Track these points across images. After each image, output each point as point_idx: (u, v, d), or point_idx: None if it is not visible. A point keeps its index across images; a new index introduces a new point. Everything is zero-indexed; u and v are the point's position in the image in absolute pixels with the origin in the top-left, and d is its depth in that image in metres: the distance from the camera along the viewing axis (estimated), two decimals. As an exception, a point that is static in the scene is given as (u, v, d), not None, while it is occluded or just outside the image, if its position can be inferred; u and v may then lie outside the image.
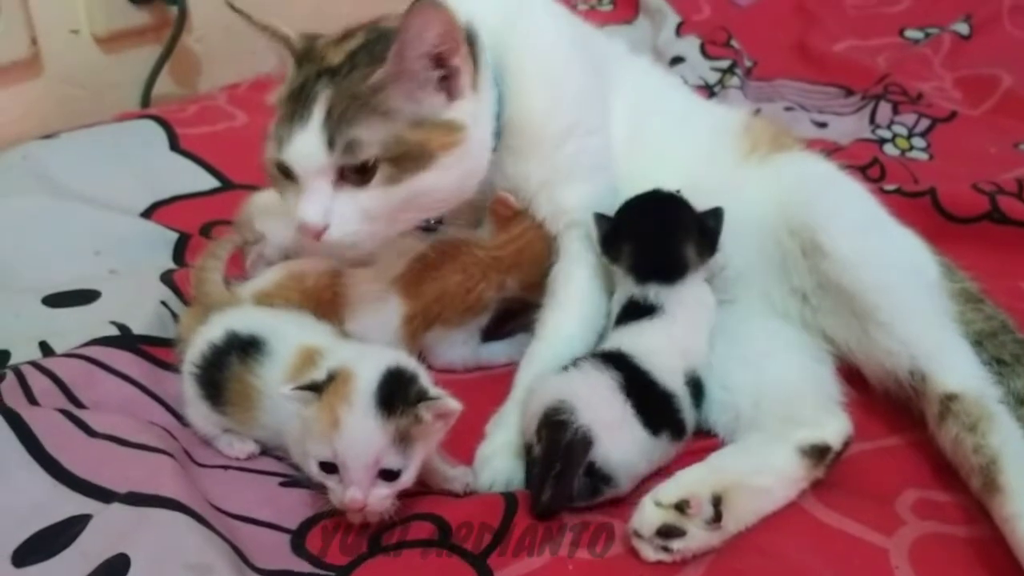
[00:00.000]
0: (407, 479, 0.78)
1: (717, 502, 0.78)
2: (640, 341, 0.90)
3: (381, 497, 0.77)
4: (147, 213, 1.26)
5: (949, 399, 0.85)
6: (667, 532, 0.76)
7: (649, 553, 0.76)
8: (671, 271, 0.93)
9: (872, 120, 1.59)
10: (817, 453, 0.84)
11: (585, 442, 0.81)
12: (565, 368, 0.88)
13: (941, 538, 0.80)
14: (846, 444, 0.86)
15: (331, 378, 0.78)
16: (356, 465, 0.76)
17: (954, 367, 0.87)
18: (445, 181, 0.90)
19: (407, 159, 0.87)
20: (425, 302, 1.01)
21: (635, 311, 0.93)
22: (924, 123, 1.58)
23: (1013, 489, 0.77)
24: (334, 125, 0.85)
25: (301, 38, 0.93)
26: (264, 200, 1.15)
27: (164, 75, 1.62)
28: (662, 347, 0.90)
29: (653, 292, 0.93)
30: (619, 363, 0.87)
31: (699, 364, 0.92)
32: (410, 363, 0.82)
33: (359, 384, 0.77)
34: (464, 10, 0.90)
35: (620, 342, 0.90)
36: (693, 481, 0.80)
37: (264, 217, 1.13)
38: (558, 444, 0.81)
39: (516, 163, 0.98)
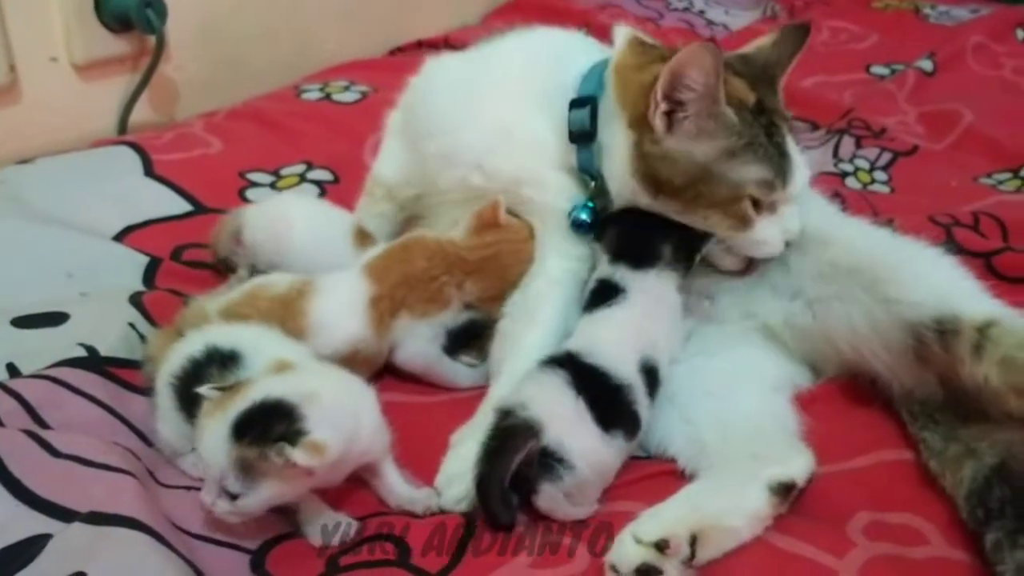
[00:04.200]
0: (243, 505, 0.79)
1: (693, 541, 0.79)
2: (594, 333, 0.95)
3: (222, 511, 0.79)
4: (120, 237, 1.27)
5: (987, 326, 0.86)
6: (646, 571, 0.77)
7: None
8: (640, 257, 0.99)
9: (835, 154, 1.62)
10: (784, 491, 0.85)
11: (527, 427, 0.84)
12: None
13: (891, 559, 0.81)
14: (809, 480, 0.88)
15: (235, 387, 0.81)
16: (207, 472, 0.79)
17: (982, 300, 0.91)
18: None
19: None
20: (391, 284, 1.03)
21: (602, 294, 0.99)
22: (886, 157, 1.61)
23: None
24: (802, 150, 0.99)
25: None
26: (254, 214, 1.18)
27: (142, 103, 1.63)
28: (614, 337, 0.94)
29: (620, 274, 0.99)
30: (567, 363, 0.91)
31: (655, 353, 0.95)
32: (315, 401, 0.80)
33: (234, 403, 0.79)
34: None
35: (571, 342, 0.95)
36: (674, 520, 0.80)
37: (255, 230, 1.15)
38: (500, 429, 0.85)
39: None
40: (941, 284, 0.92)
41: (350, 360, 0.99)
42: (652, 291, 0.98)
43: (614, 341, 0.93)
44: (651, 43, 1.02)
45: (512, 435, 0.84)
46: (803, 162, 0.98)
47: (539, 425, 0.84)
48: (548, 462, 0.84)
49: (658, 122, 0.94)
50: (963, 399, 0.90)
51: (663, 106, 0.93)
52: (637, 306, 0.97)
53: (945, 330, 0.88)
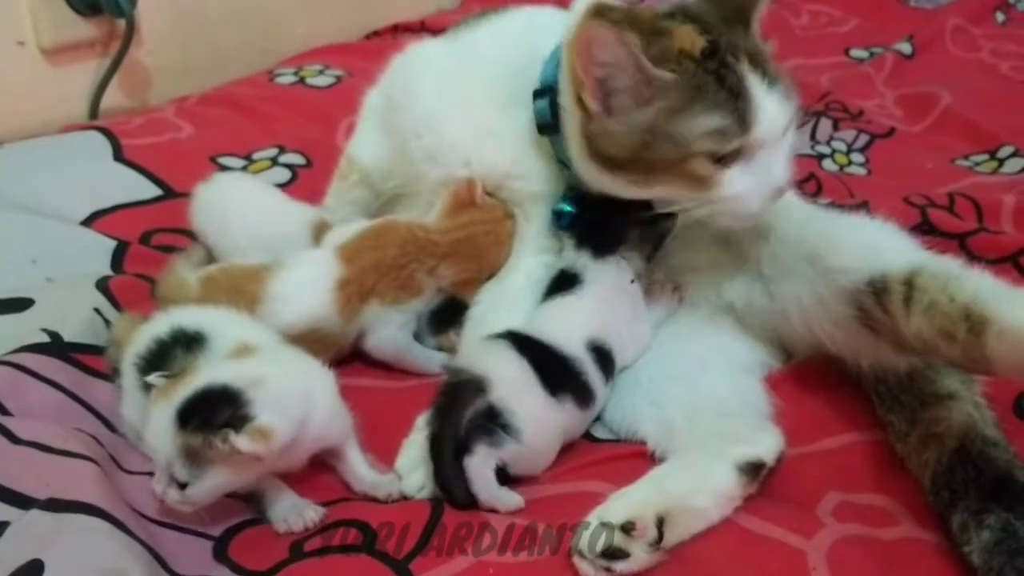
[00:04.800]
0: (192, 494, 0.78)
1: (660, 523, 0.78)
2: (539, 317, 0.96)
3: (173, 500, 0.78)
4: (87, 222, 1.25)
5: (912, 276, 0.83)
6: (612, 554, 0.76)
7: (590, 573, 0.76)
8: (603, 244, 0.98)
9: (813, 136, 1.61)
10: (753, 470, 0.84)
11: (474, 382, 0.85)
12: None
13: (859, 540, 0.81)
14: (778, 459, 0.87)
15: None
16: (155, 459, 0.79)
17: (908, 252, 0.89)
18: None
19: None
20: (361, 268, 1.02)
21: (559, 283, 0.99)
22: (863, 139, 1.61)
23: (1002, 311, 0.76)
24: (775, 86, 0.88)
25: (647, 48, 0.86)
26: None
27: (114, 88, 1.61)
28: (559, 318, 0.95)
29: (581, 262, 0.98)
30: (508, 336, 0.92)
31: (606, 337, 0.95)
32: (262, 385, 0.79)
33: (179, 389, 0.78)
34: None
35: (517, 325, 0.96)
36: (639, 502, 0.79)
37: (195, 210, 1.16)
38: (448, 385, 0.87)
39: None
40: (868, 245, 0.90)
41: (310, 339, 0.98)
42: (610, 279, 0.98)
43: (558, 321, 0.94)
44: (617, 7, 0.92)
45: (459, 390, 0.85)
46: (777, 99, 0.88)
47: (486, 381, 0.85)
48: (490, 425, 0.84)
49: (591, 102, 0.89)
50: (920, 376, 0.90)
51: (589, 85, 0.88)
52: (590, 296, 0.96)
53: (878, 290, 0.86)
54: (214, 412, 0.77)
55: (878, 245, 0.90)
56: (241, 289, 1.00)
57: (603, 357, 0.94)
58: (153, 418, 0.78)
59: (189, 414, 0.77)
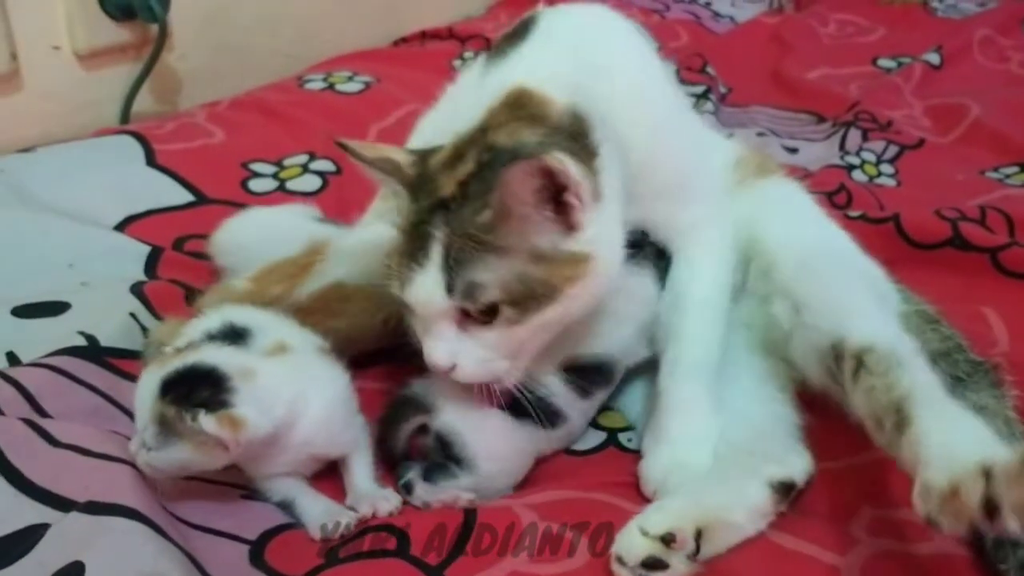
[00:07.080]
0: (154, 459, 0.80)
1: (698, 536, 0.78)
2: None
3: (143, 460, 0.80)
4: (121, 227, 1.26)
5: (863, 352, 0.81)
6: (652, 564, 0.76)
7: None
8: None
9: (842, 147, 1.61)
10: (784, 489, 0.84)
11: (416, 402, 0.88)
12: None
13: (894, 556, 0.80)
14: (808, 480, 0.87)
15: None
16: (135, 419, 0.81)
17: (869, 325, 0.85)
18: (573, 310, 0.82)
19: (531, 298, 0.80)
20: None
21: None
22: (893, 150, 1.60)
23: (922, 418, 0.74)
24: (452, 268, 0.78)
25: (412, 164, 0.84)
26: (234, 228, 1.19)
27: (145, 92, 1.63)
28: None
29: None
30: None
31: (610, 349, 0.95)
32: (250, 377, 0.80)
33: (173, 361, 0.80)
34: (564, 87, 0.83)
35: None
36: (679, 514, 0.79)
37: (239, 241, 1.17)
38: (396, 397, 0.91)
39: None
40: (839, 307, 0.88)
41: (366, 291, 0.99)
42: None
43: None
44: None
45: (402, 405, 0.89)
46: (431, 286, 0.79)
47: (430, 404, 0.87)
48: (443, 462, 0.86)
49: None
50: (950, 390, 0.88)
51: None
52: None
53: (837, 355, 0.85)
54: (195, 390, 0.78)
55: (848, 309, 0.88)
56: (297, 261, 1.02)
57: (586, 372, 0.93)
58: (142, 379, 0.81)
59: (171, 386, 0.79)
